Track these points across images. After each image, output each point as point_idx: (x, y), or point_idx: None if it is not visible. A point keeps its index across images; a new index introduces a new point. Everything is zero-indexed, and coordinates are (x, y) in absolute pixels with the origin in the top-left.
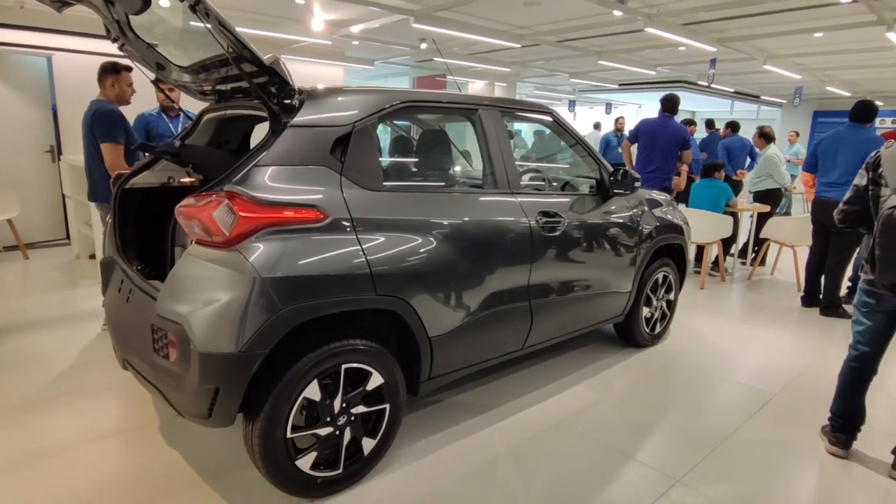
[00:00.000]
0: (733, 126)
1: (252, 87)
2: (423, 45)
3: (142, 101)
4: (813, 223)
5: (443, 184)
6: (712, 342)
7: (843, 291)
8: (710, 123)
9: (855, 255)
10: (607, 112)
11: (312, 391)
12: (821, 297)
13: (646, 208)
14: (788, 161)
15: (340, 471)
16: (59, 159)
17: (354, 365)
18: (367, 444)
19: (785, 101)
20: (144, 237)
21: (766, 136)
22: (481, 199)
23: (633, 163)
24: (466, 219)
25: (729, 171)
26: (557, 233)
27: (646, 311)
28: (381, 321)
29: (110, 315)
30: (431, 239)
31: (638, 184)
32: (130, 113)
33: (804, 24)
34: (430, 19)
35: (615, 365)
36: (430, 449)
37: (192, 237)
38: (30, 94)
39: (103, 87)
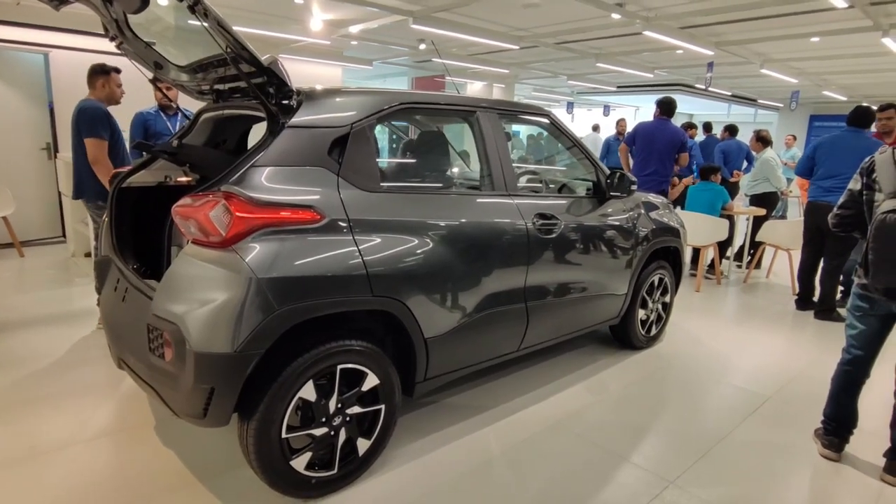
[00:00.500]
0: (731, 129)
1: (250, 88)
2: (422, 46)
3: (139, 99)
4: (806, 227)
5: (440, 185)
6: (707, 345)
7: (837, 295)
8: (707, 127)
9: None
10: (605, 114)
11: (308, 392)
12: (815, 300)
13: (642, 211)
14: (785, 164)
15: (335, 471)
16: (55, 157)
17: (350, 365)
18: (363, 445)
19: (782, 105)
20: (141, 236)
21: (763, 140)
22: (478, 200)
23: (630, 166)
24: (463, 220)
25: (725, 174)
26: (554, 235)
27: (641, 314)
28: (376, 322)
29: (106, 314)
30: (428, 240)
31: (634, 187)
32: (127, 111)
33: (801, 29)
34: (429, 20)
35: (611, 367)
36: (425, 450)
37: (188, 237)
38: (26, 91)
39: (93, 87)
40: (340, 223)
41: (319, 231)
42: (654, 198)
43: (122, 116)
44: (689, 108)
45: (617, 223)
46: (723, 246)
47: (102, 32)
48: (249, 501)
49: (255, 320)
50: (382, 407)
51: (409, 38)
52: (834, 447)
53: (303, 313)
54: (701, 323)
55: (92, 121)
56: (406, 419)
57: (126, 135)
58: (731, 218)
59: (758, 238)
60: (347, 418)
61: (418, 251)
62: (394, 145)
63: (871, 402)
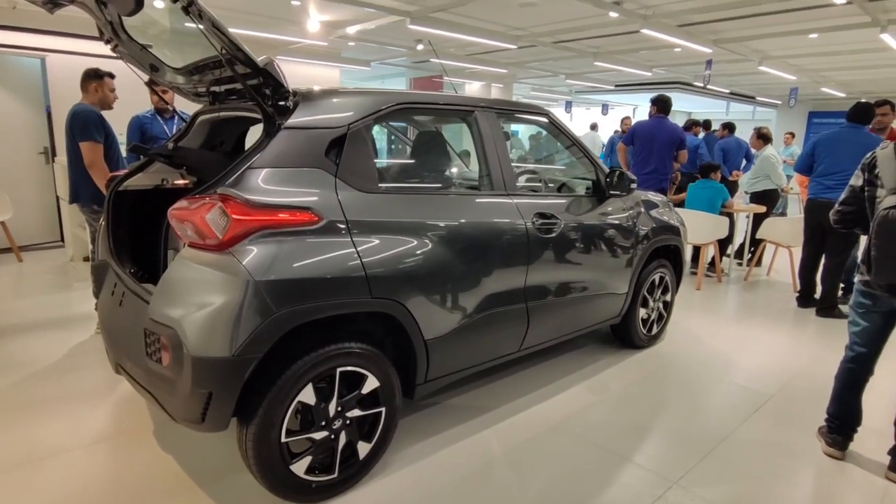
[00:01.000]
0: (730, 127)
1: (246, 89)
2: (420, 47)
3: (135, 102)
4: (807, 224)
5: (439, 185)
6: (709, 343)
7: (838, 292)
8: (707, 125)
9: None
10: (604, 113)
11: (307, 395)
12: (816, 297)
13: (642, 209)
14: (784, 162)
15: (336, 475)
16: (53, 161)
17: (350, 368)
18: (363, 448)
19: (780, 102)
20: (138, 240)
21: (763, 137)
22: (477, 200)
23: (629, 165)
24: (462, 221)
25: (725, 172)
26: (554, 234)
27: (642, 313)
28: (376, 324)
29: (103, 318)
30: (427, 241)
31: (634, 185)
32: (123, 114)
33: (799, 26)
34: (427, 20)
35: (612, 366)
36: (426, 452)
37: (185, 240)
38: (23, 95)
39: (86, 91)
40: (338, 224)
41: (317, 233)
42: (653, 196)
43: (118, 120)
44: (687, 106)
45: (617, 222)
46: (723, 244)
47: (98, 36)
48: None
49: (253, 324)
50: (383, 409)
51: (406, 39)
52: (838, 445)
53: (301, 316)
54: (702, 321)
55: (85, 124)
56: (407, 421)
57: (122, 138)
58: (730, 216)
59: (758, 235)
60: (348, 421)
61: (417, 252)
62: (392, 146)
63: (875, 399)
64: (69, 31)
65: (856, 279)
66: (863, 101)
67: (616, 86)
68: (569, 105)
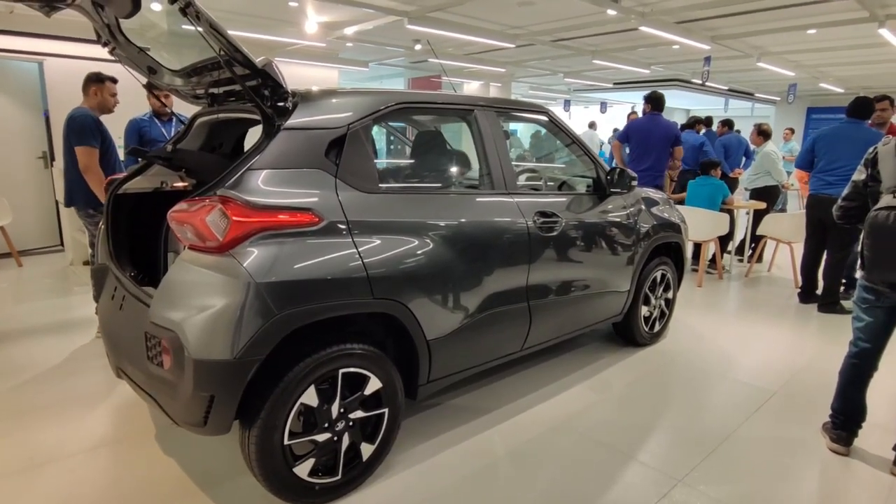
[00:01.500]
0: (728, 124)
1: (245, 90)
2: (418, 47)
3: (134, 105)
4: (808, 220)
5: (439, 185)
6: (711, 340)
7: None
8: (708, 122)
9: None
10: (602, 111)
11: (310, 397)
12: (818, 293)
13: (643, 207)
14: (784, 158)
15: (339, 477)
16: (51, 165)
17: (352, 369)
18: (366, 450)
19: (779, 99)
20: (137, 243)
21: (764, 134)
22: (478, 199)
23: (625, 162)
24: (463, 220)
25: (725, 169)
26: (555, 233)
27: (644, 310)
28: (378, 325)
29: (104, 322)
30: (428, 241)
31: (634, 182)
32: (121, 118)
33: (797, 21)
34: (425, 20)
35: (614, 365)
36: (429, 453)
37: (185, 242)
38: (21, 99)
39: (86, 94)
40: (339, 225)
41: (318, 234)
42: (654, 193)
43: (116, 124)
44: (686, 103)
45: (618, 219)
46: (724, 240)
47: (95, 39)
48: None
49: (255, 326)
50: (386, 411)
51: (404, 39)
52: (843, 441)
53: (303, 317)
54: (704, 318)
55: (81, 129)
56: (410, 422)
57: (119, 142)
58: (731, 212)
59: (759, 232)
60: (350, 423)
61: (418, 252)
62: (392, 146)
63: (880, 395)
64: (67, 34)
65: (857, 275)
66: (862, 95)
67: (615, 84)
68: (567, 104)
